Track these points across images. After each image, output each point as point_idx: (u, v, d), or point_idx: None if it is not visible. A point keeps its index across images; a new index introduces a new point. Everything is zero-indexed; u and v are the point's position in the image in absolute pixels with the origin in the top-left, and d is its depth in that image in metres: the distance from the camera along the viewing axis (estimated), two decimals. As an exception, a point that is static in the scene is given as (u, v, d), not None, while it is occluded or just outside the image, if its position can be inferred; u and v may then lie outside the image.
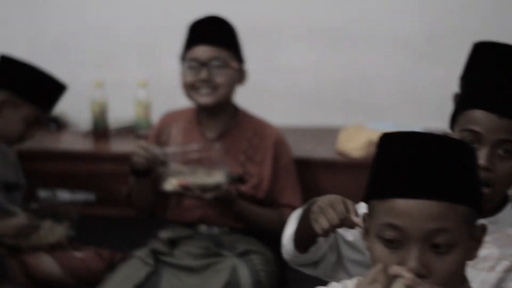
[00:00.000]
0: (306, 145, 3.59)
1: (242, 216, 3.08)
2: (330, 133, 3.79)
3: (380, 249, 1.47)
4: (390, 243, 1.46)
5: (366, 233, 1.56)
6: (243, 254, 3.03)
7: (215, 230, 3.14)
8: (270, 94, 4.06)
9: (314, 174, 3.40)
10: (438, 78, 3.96)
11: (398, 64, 4.00)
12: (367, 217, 1.56)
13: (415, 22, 3.95)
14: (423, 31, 3.95)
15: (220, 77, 3.07)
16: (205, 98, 3.09)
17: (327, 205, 1.94)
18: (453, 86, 3.92)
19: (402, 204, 1.44)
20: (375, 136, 3.41)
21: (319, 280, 3.59)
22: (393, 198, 1.45)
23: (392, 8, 3.98)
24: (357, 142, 3.41)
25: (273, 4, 4.07)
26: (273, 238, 3.22)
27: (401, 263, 1.44)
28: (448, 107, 3.91)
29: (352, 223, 1.91)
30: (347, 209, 1.92)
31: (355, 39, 4.02)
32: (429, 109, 3.97)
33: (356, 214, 1.92)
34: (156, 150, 3.00)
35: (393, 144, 1.49)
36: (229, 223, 3.13)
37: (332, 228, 1.94)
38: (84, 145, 3.87)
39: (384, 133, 1.53)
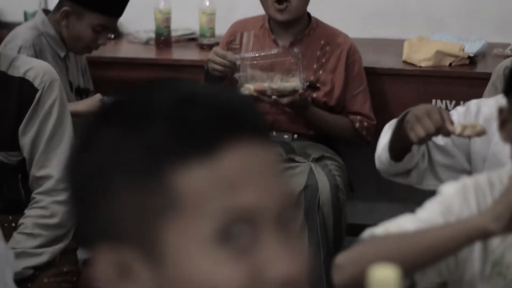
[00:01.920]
0: (371, 56, 3.61)
1: (314, 122, 3.14)
2: (392, 45, 3.80)
3: None
4: None
5: (503, 125, 1.61)
6: (318, 160, 3.08)
7: (286, 136, 3.19)
8: (330, 6, 4.06)
9: (382, 84, 3.43)
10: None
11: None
12: (506, 109, 1.61)
13: None
14: None
15: None
16: (280, 14, 3.09)
17: (423, 114, 1.98)
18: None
19: None
20: (443, 46, 3.44)
21: (382, 189, 3.67)
22: None
23: None
24: (425, 53, 3.43)
25: None
26: (342, 146, 3.28)
27: None
28: (509, 20, 3.93)
29: (448, 131, 1.95)
30: (442, 118, 1.97)
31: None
32: (490, 23, 3.97)
33: (452, 123, 1.96)
34: (233, 56, 3.02)
35: None
36: (299, 129, 3.19)
37: (428, 137, 1.98)
38: (146, 53, 3.90)
39: None
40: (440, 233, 1.51)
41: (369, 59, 3.52)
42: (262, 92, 2.95)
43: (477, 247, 1.59)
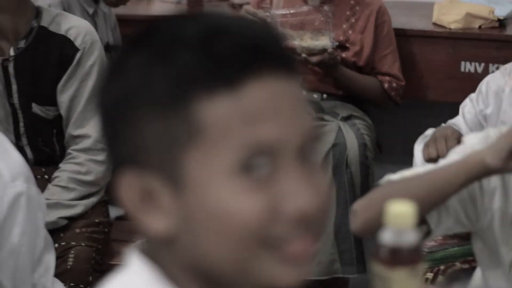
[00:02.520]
0: (401, 17, 3.62)
1: (343, 82, 3.16)
2: (422, 7, 3.80)
3: None
4: None
5: None
6: (346, 119, 3.12)
7: (315, 96, 3.22)
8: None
9: (411, 45, 3.45)
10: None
11: None
12: None
13: None
14: None
15: None
16: None
17: (441, 137, 2.09)
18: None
19: None
20: (473, 9, 3.44)
21: (411, 151, 3.68)
22: None
23: None
24: (455, 15, 3.44)
25: None
26: (371, 107, 3.31)
27: None
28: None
29: None
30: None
31: None
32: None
33: None
34: (263, 14, 3.05)
35: None
36: (329, 89, 3.21)
37: (437, 159, 2.04)
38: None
39: None
40: (444, 170, 1.58)
41: (399, 21, 3.52)
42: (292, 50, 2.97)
43: (498, 196, 1.63)
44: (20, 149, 2.67)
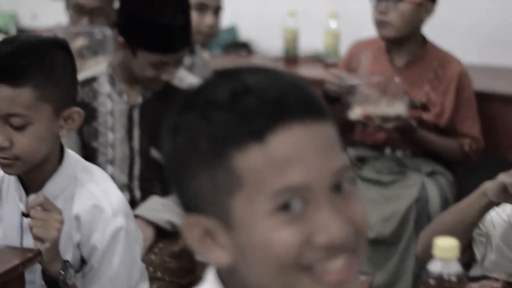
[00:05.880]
0: (486, 81, 3.74)
1: (422, 144, 3.32)
2: (509, 72, 3.92)
3: None
4: None
5: None
6: (429, 175, 3.29)
7: (399, 152, 3.38)
8: (451, 31, 4.18)
9: (494, 109, 3.56)
10: None
11: None
12: None
13: None
14: None
15: (392, 13, 3.26)
16: (382, 29, 3.31)
17: None
18: None
19: None
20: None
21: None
22: None
23: None
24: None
25: None
26: (453, 164, 3.44)
27: None
28: None
29: None
30: None
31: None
32: None
33: None
34: (349, 79, 3.24)
35: None
36: (412, 146, 3.36)
37: None
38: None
39: None
40: (463, 203, 1.86)
41: (483, 85, 3.63)
42: (368, 117, 3.18)
43: None
44: (131, 190, 2.89)
